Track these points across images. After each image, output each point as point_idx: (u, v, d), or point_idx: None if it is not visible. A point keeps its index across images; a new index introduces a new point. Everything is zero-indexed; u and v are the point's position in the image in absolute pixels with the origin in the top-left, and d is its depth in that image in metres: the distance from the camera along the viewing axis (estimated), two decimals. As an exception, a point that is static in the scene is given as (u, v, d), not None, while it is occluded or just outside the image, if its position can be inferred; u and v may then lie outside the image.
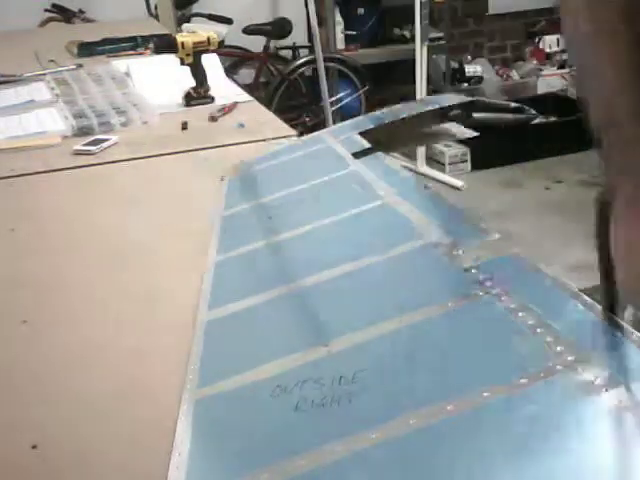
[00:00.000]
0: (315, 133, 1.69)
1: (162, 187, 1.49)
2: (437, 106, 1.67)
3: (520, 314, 0.77)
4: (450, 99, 1.78)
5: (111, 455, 0.74)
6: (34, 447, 0.76)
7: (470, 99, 2.08)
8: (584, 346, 0.70)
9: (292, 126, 1.86)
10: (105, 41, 2.70)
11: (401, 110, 1.70)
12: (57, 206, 1.42)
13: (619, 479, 0.57)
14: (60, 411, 0.82)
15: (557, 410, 0.65)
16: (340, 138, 1.53)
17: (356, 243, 1.08)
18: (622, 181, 0.53)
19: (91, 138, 1.74)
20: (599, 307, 0.72)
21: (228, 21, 4.25)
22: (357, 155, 1.38)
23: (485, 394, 0.67)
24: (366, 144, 1.44)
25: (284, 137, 1.68)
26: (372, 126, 1.58)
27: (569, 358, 0.69)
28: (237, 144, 1.68)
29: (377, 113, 1.77)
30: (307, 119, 4.25)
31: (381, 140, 1.52)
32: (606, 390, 0.64)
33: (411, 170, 4.05)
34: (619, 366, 0.66)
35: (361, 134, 1.51)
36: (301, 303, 0.96)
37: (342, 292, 0.96)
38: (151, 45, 2.55)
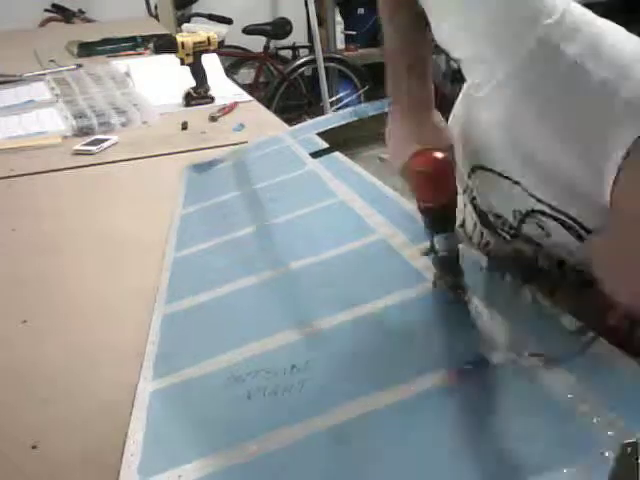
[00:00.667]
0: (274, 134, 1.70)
1: (162, 187, 1.48)
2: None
3: (469, 303, 0.81)
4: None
5: (111, 455, 0.74)
6: (34, 447, 0.76)
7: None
8: (528, 330, 0.73)
9: (292, 126, 1.86)
10: (105, 41, 2.70)
11: (359, 110, 1.74)
12: (57, 206, 1.41)
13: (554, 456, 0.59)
14: (60, 411, 0.82)
15: (501, 394, 0.68)
16: (298, 138, 1.54)
17: (312, 240, 1.11)
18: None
19: (91, 138, 1.74)
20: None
21: (228, 21, 4.25)
22: (315, 155, 1.39)
23: (432, 380, 0.71)
24: (324, 144, 1.45)
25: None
26: (331, 126, 1.61)
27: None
28: (237, 144, 1.68)
29: (339, 112, 1.79)
30: (307, 119, 4.25)
31: (339, 140, 1.54)
32: (541, 368, 0.68)
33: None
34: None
35: (319, 134, 1.52)
36: (258, 296, 0.98)
37: (298, 285, 0.99)
38: (151, 45, 2.56)
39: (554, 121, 0.72)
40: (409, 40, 0.89)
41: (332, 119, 1.72)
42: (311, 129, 1.60)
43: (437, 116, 0.89)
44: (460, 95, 0.93)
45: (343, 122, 1.66)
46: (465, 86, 0.89)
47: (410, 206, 1.12)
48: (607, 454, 0.58)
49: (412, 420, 0.68)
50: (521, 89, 0.73)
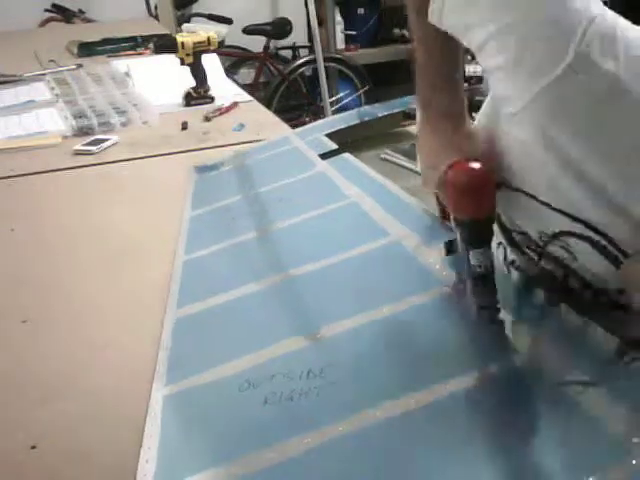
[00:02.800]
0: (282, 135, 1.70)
1: (162, 187, 1.49)
2: (402, 108, 1.73)
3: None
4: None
5: (110, 456, 0.74)
6: (34, 447, 0.76)
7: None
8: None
9: (292, 126, 1.86)
10: (105, 41, 2.71)
11: (368, 111, 1.73)
12: (57, 206, 1.42)
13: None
14: (60, 411, 0.82)
15: (520, 399, 0.67)
16: (307, 139, 1.53)
17: (323, 242, 1.09)
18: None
19: (91, 138, 1.74)
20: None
21: (228, 21, 4.25)
22: (324, 156, 1.39)
23: (449, 386, 0.69)
24: (333, 145, 1.45)
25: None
26: (339, 127, 1.59)
27: None
28: (237, 144, 1.68)
29: (344, 114, 1.79)
30: (307, 119, 4.26)
31: (348, 141, 1.53)
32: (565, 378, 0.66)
33: (411, 170, 4.04)
34: None
35: (328, 135, 1.52)
36: (271, 300, 0.97)
37: (311, 289, 0.97)
38: (151, 45, 2.56)
39: (592, 140, 0.68)
40: (436, 55, 0.84)
41: (339, 120, 1.71)
42: (318, 130, 1.59)
43: (470, 124, 0.85)
44: (484, 107, 0.88)
45: (351, 123, 1.65)
46: (490, 98, 0.84)
47: (422, 207, 1.10)
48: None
49: (431, 428, 0.66)
50: (558, 104, 0.69)
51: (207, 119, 1.87)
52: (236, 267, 1.09)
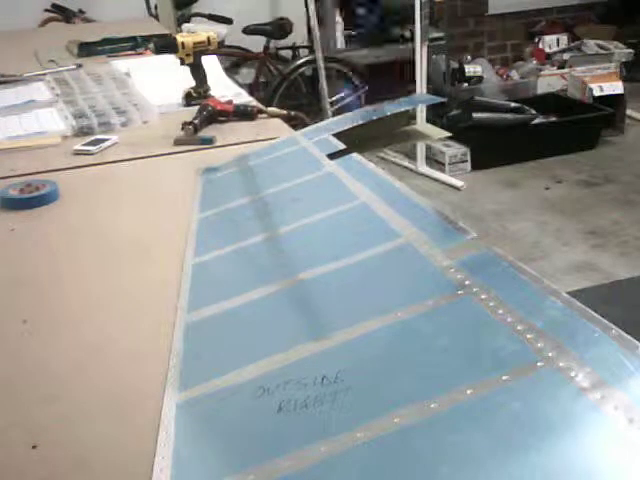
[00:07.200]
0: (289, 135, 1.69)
1: (162, 187, 1.49)
2: (409, 107, 1.72)
3: (500, 311, 0.77)
4: (420, 99, 1.81)
5: (111, 457, 0.74)
6: (34, 447, 0.76)
7: (440, 99, 2.13)
8: (564, 342, 0.70)
9: (292, 126, 1.86)
10: (105, 41, 2.70)
11: (374, 111, 1.73)
12: (57, 206, 1.41)
13: (601, 474, 0.57)
14: (60, 411, 0.82)
15: (540, 406, 0.65)
16: (314, 140, 1.53)
17: (335, 244, 1.08)
18: None
19: (91, 138, 1.74)
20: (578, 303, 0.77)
21: (228, 21, 4.25)
22: (332, 156, 1.38)
23: (468, 391, 0.67)
24: (340, 145, 1.44)
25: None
26: (345, 127, 1.58)
27: (550, 354, 0.69)
28: (237, 144, 1.68)
29: (350, 114, 1.78)
30: (307, 119, 4.26)
31: (354, 141, 1.52)
32: (587, 385, 0.64)
33: (411, 170, 4.04)
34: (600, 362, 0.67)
35: (335, 135, 1.51)
36: (282, 304, 0.95)
37: (323, 292, 0.96)
38: (151, 45, 2.55)
39: None
40: None
41: (345, 120, 1.70)
42: (324, 131, 1.58)
43: None
44: None
45: (356, 123, 1.63)
46: None
47: (434, 208, 1.09)
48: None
49: (451, 434, 0.65)
50: None
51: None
52: (247, 270, 1.08)
